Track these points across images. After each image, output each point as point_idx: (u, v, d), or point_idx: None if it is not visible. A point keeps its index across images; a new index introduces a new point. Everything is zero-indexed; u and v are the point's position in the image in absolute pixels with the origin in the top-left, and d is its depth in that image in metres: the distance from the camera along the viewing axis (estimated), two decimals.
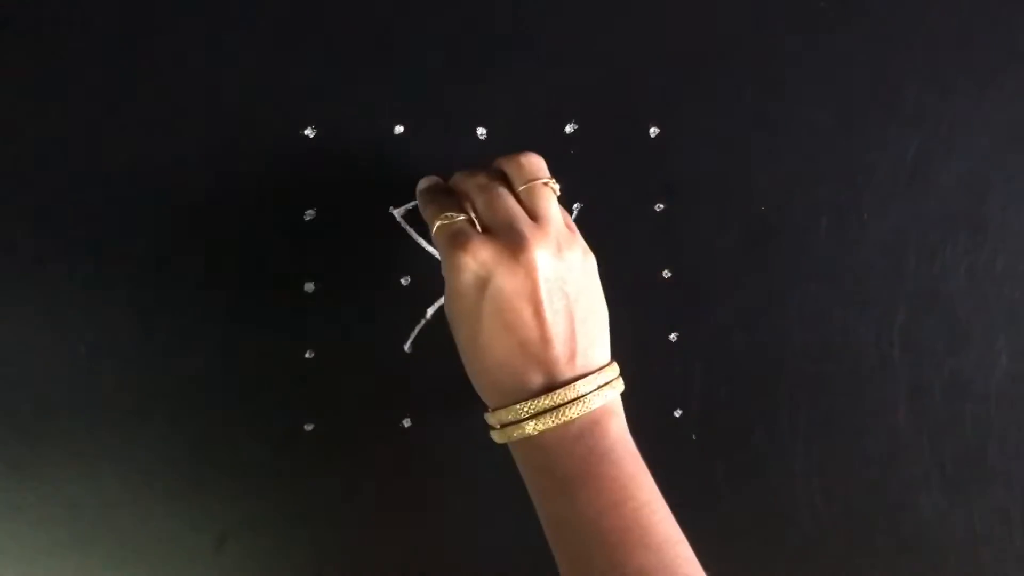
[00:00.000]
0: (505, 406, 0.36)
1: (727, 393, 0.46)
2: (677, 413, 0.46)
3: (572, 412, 0.35)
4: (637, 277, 0.45)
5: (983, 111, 0.46)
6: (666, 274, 0.45)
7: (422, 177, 0.42)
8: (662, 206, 0.45)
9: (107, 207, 0.42)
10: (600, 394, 0.36)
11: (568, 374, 0.36)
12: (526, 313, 0.35)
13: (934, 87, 0.46)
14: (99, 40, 0.42)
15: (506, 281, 0.35)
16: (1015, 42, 0.46)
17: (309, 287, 0.43)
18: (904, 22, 0.46)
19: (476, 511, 0.45)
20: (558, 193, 0.38)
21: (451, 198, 0.39)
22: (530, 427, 0.35)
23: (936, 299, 0.47)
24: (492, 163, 0.39)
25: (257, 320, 0.43)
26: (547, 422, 0.35)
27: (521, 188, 0.37)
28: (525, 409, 0.35)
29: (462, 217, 0.37)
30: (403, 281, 0.44)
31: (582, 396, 0.35)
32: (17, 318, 0.42)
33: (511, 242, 0.35)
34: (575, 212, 0.45)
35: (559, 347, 0.36)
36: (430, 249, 0.44)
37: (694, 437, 0.46)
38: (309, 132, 0.43)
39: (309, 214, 0.43)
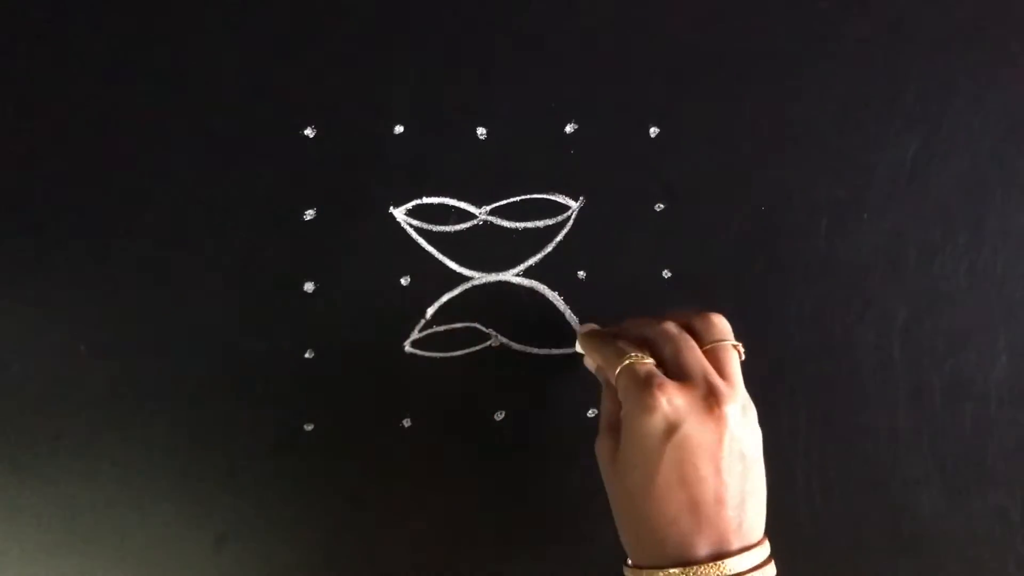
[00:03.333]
0: (661, 567, 0.34)
1: None
2: None
3: None
4: (637, 277, 0.45)
5: (983, 111, 0.46)
6: (666, 274, 0.45)
7: (582, 324, 0.42)
8: (662, 206, 0.45)
9: (107, 207, 0.42)
10: (762, 571, 0.35)
11: (735, 544, 0.34)
12: (706, 470, 0.34)
13: (934, 87, 0.46)
14: (99, 40, 0.42)
15: (695, 431, 0.34)
16: (1015, 42, 0.46)
17: (309, 287, 0.43)
18: (904, 22, 0.46)
19: (476, 511, 0.45)
20: (743, 357, 0.38)
21: (629, 341, 0.38)
22: None
23: (936, 299, 0.47)
24: (672, 315, 0.39)
25: (257, 320, 0.43)
26: None
27: (709, 346, 0.37)
28: (678, 573, 0.34)
29: (651, 360, 0.36)
30: (403, 281, 0.44)
31: (743, 572, 0.34)
32: (17, 318, 0.42)
33: (707, 396, 0.34)
34: (576, 209, 0.45)
35: (730, 512, 0.34)
36: (431, 249, 0.44)
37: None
38: (309, 132, 0.43)
39: (309, 214, 0.43)
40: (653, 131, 0.45)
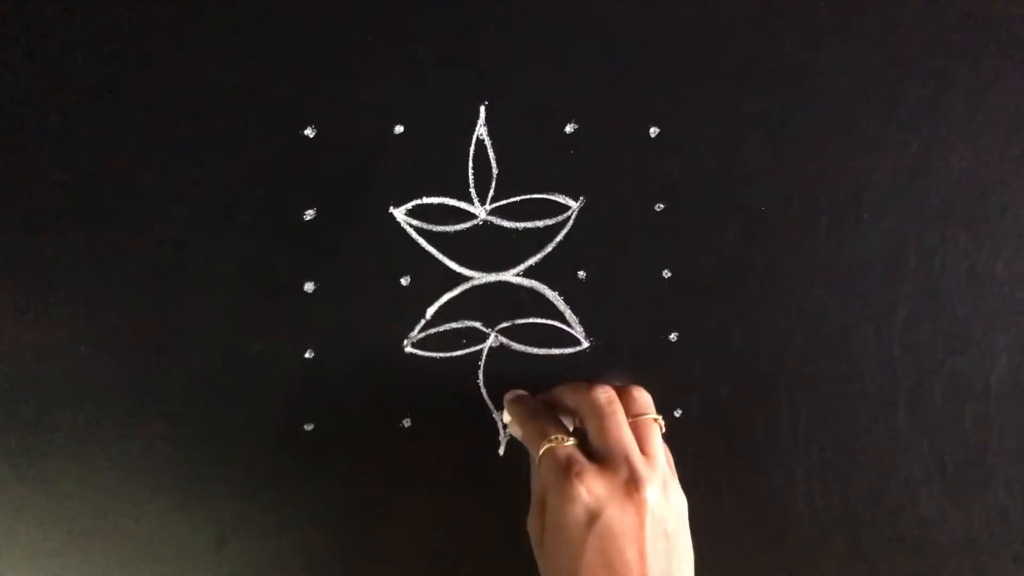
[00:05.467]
0: None
1: (727, 393, 0.46)
2: (677, 413, 0.46)
3: None
4: (637, 277, 0.45)
5: (983, 111, 0.46)
6: (666, 274, 0.45)
7: (508, 391, 0.42)
8: (662, 206, 0.45)
9: (107, 207, 0.42)
10: None
11: None
12: (629, 553, 0.35)
13: (934, 87, 0.46)
14: (99, 39, 0.42)
15: (616, 518, 0.34)
16: (1015, 42, 0.46)
17: (309, 287, 0.43)
18: (904, 22, 0.46)
19: (476, 511, 0.45)
20: (663, 431, 0.38)
21: (552, 417, 0.39)
22: None
23: (936, 299, 0.47)
24: (597, 385, 0.39)
25: (257, 320, 0.43)
26: None
27: (632, 419, 0.37)
28: None
29: (571, 442, 0.37)
30: (403, 281, 0.44)
31: None
32: (18, 318, 0.42)
33: (626, 479, 0.35)
34: (576, 209, 0.45)
35: None
36: (431, 249, 0.44)
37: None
38: (309, 132, 0.43)
39: (309, 214, 0.43)
40: (653, 131, 0.45)
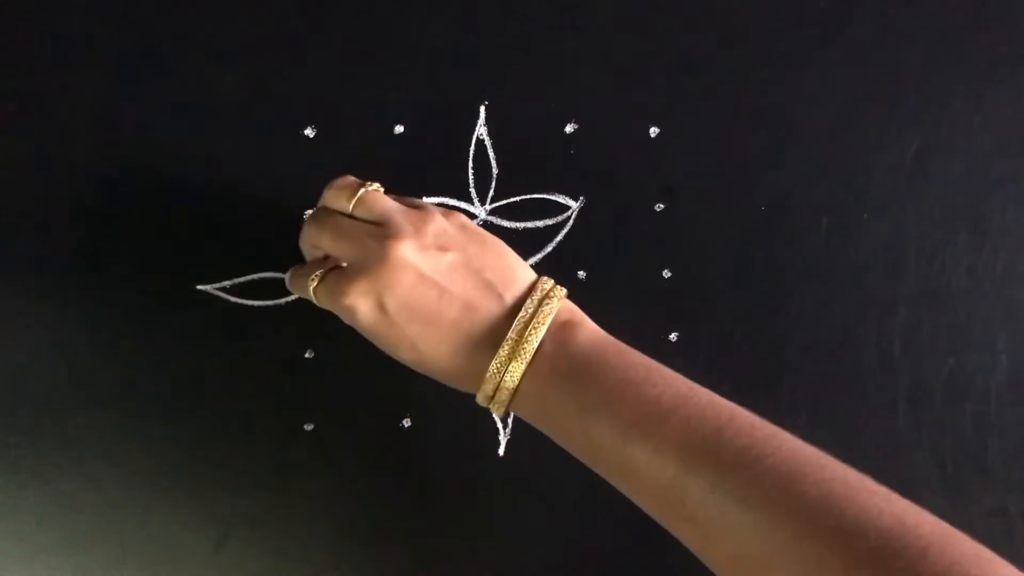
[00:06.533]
0: (490, 369, 0.36)
1: (727, 393, 0.46)
2: None
3: (532, 339, 0.35)
4: (637, 277, 0.45)
5: (983, 111, 0.46)
6: (666, 274, 0.45)
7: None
8: (662, 206, 0.45)
9: (107, 207, 0.43)
10: (545, 310, 0.35)
11: (507, 316, 0.36)
12: (432, 298, 0.35)
13: (934, 87, 0.46)
14: (99, 39, 0.42)
15: (395, 288, 0.35)
16: (1015, 42, 0.46)
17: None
18: (904, 22, 0.46)
19: (476, 511, 0.45)
20: (382, 190, 0.38)
21: (309, 264, 0.39)
22: (508, 383, 0.35)
23: (936, 299, 0.47)
24: (304, 227, 0.39)
25: (257, 320, 0.43)
26: (518, 368, 0.35)
27: (351, 207, 0.37)
28: (494, 371, 0.35)
29: (321, 271, 0.37)
30: None
31: (529, 320, 0.35)
32: (17, 318, 0.42)
33: (374, 257, 0.35)
34: (576, 209, 0.45)
35: (482, 302, 0.36)
36: None
37: None
38: (309, 132, 0.43)
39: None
40: (653, 131, 0.45)
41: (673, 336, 0.46)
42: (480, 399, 0.37)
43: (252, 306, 0.43)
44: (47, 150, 0.42)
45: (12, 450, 0.42)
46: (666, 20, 0.45)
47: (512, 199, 0.45)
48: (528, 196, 0.45)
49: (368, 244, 0.36)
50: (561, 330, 0.36)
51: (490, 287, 0.36)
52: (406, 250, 0.35)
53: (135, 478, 0.43)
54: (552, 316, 0.36)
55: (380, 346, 0.37)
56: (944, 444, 0.47)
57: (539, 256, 0.45)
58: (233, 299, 0.43)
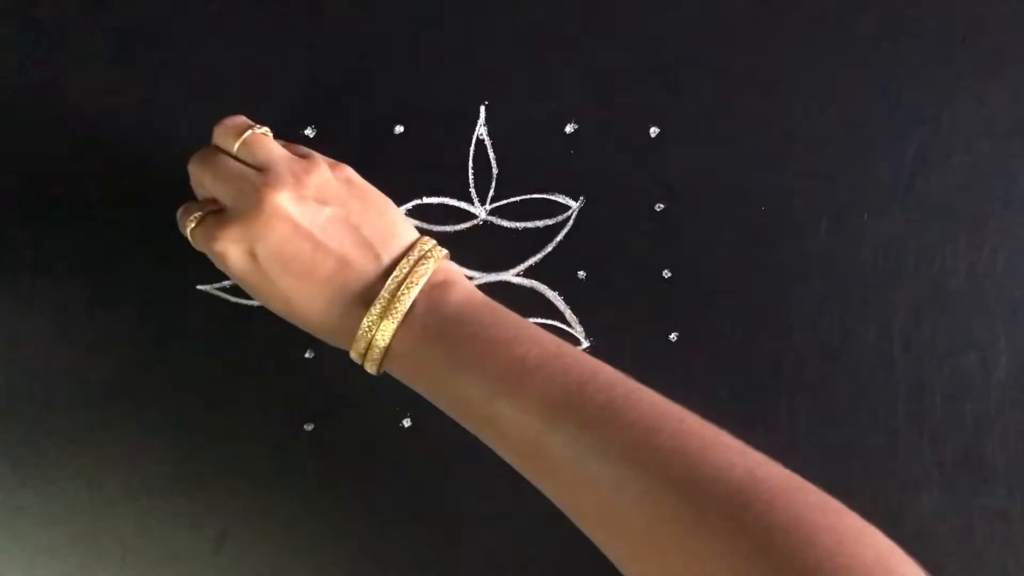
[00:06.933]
0: (360, 328, 0.36)
1: (727, 393, 0.46)
2: None
3: (404, 299, 0.35)
4: (637, 277, 0.45)
5: (983, 111, 0.46)
6: (666, 274, 0.45)
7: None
8: (662, 206, 0.45)
9: (107, 207, 0.42)
10: (419, 270, 0.35)
11: (382, 275, 0.36)
12: (306, 251, 0.35)
13: (934, 87, 0.46)
14: (99, 39, 0.42)
15: (268, 238, 0.34)
16: (1015, 42, 0.46)
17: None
18: (904, 22, 0.46)
19: (476, 511, 0.45)
20: (270, 134, 0.38)
21: (194, 204, 0.39)
22: (380, 341, 0.35)
23: (936, 299, 0.47)
24: (190, 161, 0.39)
25: (257, 320, 0.43)
26: (389, 327, 0.35)
27: (236, 149, 0.37)
28: (365, 329, 0.35)
29: (199, 213, 0.37)
30: None
31: (404, 280, 0.35)
32: (17, 318, 0.42)
33: (249, 203, 0.35)
34: (576, 209, 0.45)
35: (358, 259, 0.35)
36: None
37: None
38: (309, 132, 0.43)
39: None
40: (653, 131, 0.45)
41: (673, 336, 0.46)
42: (353, 355, 0.37)
43: (252, 306, 0.43)
44: (47, 150, 0.42)
45: (12, 450, 0.42)
46: (666, 20, 0.45)
47: (512, 199, 0.45)
48: (528, 196, 0.45)
49: (245, 189, 0.35)
50: (435, 290, 0.36)
51: (367, 244, 0.36)
52: (283, 199, 0.35)
53: (135, 478, 0.43)
54: (427, 277, 0.35)
55: (253, 296, 0.37)
56: (944, 444, 0.47)
57: (539, 256, 0.45)
58: (233, 299, 0.43)
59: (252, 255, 0.35)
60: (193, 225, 0.37)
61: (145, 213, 0.43)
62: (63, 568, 0.43)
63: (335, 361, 0.44)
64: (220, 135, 0.38)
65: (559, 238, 0.45)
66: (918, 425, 0.47)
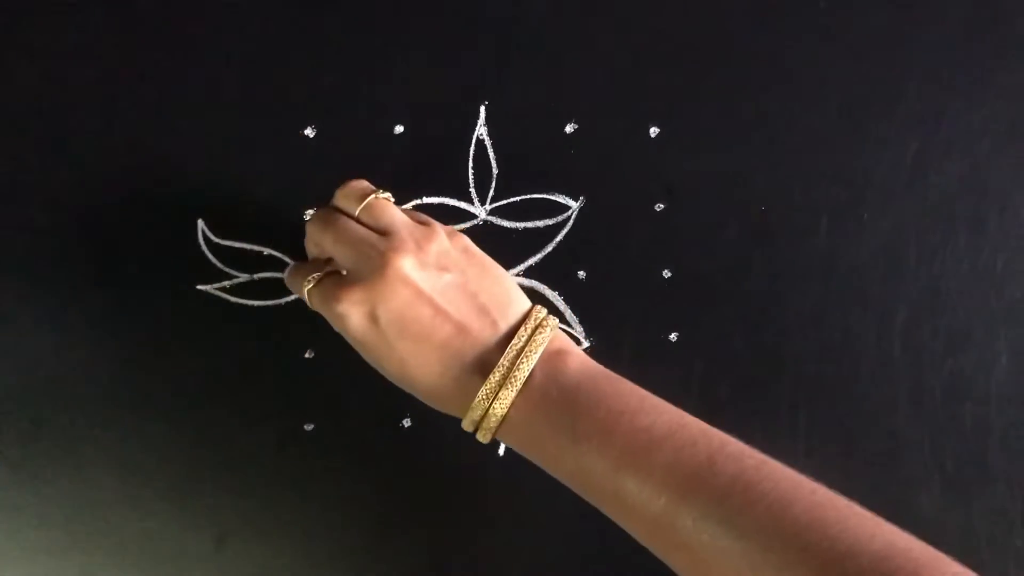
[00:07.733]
0: (469, 407, 0.36)
1: (727, 393, 0.46)
2: None
3: (524, 367, 0.35)
4: (637, 277, 0.45)
5: (983, 111, 0.46)
6: (666, 274, 0.45)
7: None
8: (662, 206, 0.45)
9: (107, 207, 0.43)
10: (538, 339, 0.35)
11: (500, 342, 0.35)
12: (426, 316, 0.35)
13: (934, 87, 0.46)
14: (99, 39, 0.42)
15: (390, 302, 0.35)
16: (1014, 42, 0.46)
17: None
18: (904, 22, 0.46)
19: (476, 511, 0.45)
20: (392, 200, 0.38)
21: (309, 264, 0.39)
22: (498, 410, 0.35)
23: (936, 299, 0.47)
24: (308, 224, 0.39)
25: (257, 320, 0.43)
26: (508, 395, 0.34)
27: (359, 212, 0.37)
28: (483, 398, 0.35)
29: (318, 274, 0.37)
30: None
31: (523, 348, 0.35)
32: (17, 318, 0.42)
33: (373, 267, 0.35)
34: (576, 209, 0.45)
35: (476, 326, 0.35)
36: None
37: None
38: (309, 132, 0.43)
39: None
40: (653, 131, 0.45)
41: (673, 336, 0.46)
42: (466, 424, 0.36)
43: (252, 306, 0.43)
44: (47, 150, 0.42)
45: (12, 450, 0.42)
46: (666, 20, 0.45)
47: (512, 199, 0.45)
48: (528, 196, 0.45)
49: (369, 253, 0.35)
50: (552, 359, 0.35)
51: (485, 311, 0.36)
52: (406, 264, 0.35)
53: (135, 478, 0.43)
54: (544, 345, 0.35)
55: (367, 358, 0.37)
56: (944, 444, 0.47)
57: (539, 256, 0.45)
58: (233, 299, 0.43)
59: (373, 318, 0.35)
60: (311, 286, 0.37)
61: (145, 213, 0.43)
62: (63, 568, 0.43)
63: (335, 361, 0.44)
64: (342, 198, 0.38)
65: (559, 238, 0.45)
66: (918, 425, 0.47)
